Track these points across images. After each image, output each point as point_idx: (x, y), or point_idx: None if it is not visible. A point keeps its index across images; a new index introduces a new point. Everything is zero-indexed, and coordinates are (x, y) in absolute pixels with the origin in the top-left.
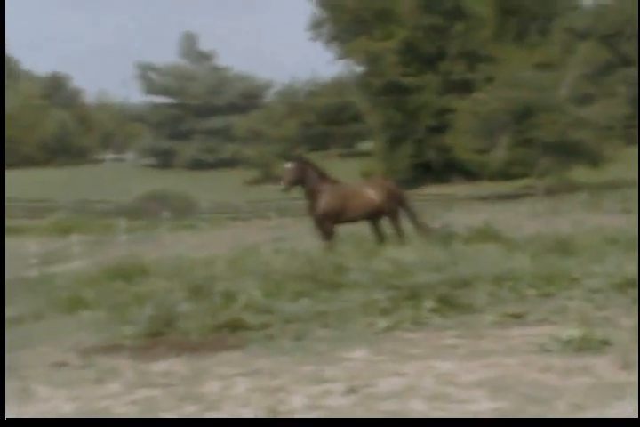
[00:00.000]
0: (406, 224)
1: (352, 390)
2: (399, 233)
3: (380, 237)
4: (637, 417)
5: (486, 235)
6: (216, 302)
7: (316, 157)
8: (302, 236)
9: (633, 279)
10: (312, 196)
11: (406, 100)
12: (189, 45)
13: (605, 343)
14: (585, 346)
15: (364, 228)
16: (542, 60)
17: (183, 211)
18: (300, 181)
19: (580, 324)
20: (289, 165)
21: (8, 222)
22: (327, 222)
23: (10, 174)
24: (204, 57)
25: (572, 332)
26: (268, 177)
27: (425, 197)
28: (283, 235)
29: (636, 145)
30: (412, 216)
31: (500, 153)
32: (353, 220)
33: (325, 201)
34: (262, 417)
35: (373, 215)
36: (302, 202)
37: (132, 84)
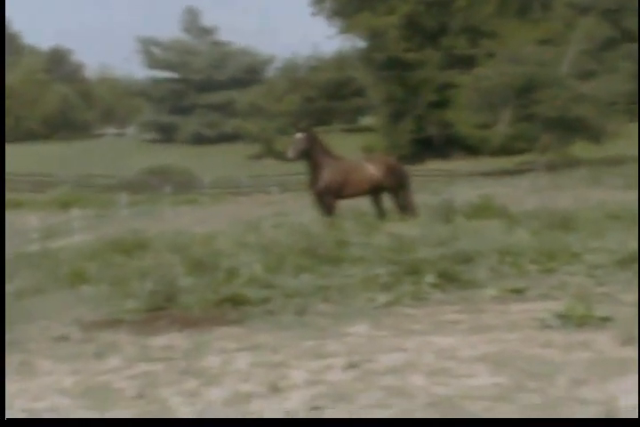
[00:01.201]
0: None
1: (353, 365)
2: (400, 208)
3: (381, 213)
4: (637, 417)
5: (487, 210)
6: (217, 276)
7: (318, 133)
8: (303, 211)
9: (635, 255)
10: (315, 170)
11: (408, 76)
12: (191, 20)
13: (606, 319)
14: (586, 321)
15: (365, 203)
16: (544, 35)
17: (184, 186)
18: (306, 152)
19: (580, 299)
20: (299, 135)
21: (9, 196)
22: (329, 197)
23: (11, 149)
24: (206, 32)
25: (573, 307)
26: (270, 152)
27: (426, 172)
28: (284, 210)
29: (636, 121)
30: (407, 198)
31: (501, 128)
32: (354, 195)
33: (328, 175)
34: (264, 395)
35: (374, 191)
36: (303, 177)
37: (133, 59)
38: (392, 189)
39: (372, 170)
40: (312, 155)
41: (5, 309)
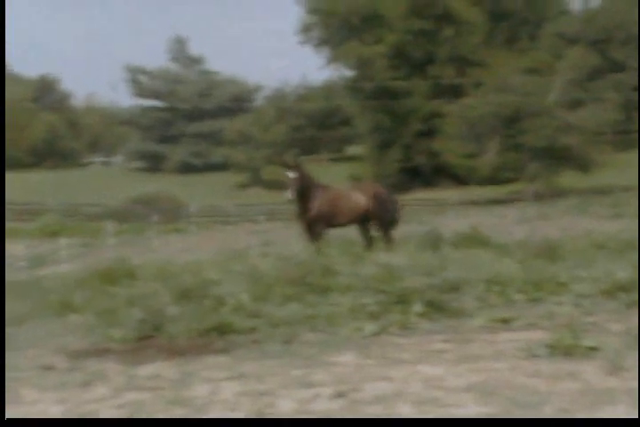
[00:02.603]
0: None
1: (340, 395)
2: (387, 238)
3: (369, 242)
4: (637, 417)
5: (475, 240)
6: (204, 305)
7: (305, 162)
8: (291, 240)
9: (622, 284)
10: (304, 200)
11: (395, 105)
12: (179, 49)
13: (593, 349)
14: (573, 351)
15: (352, 232)
16: (531, 65)
17: (171, 214)
18: (302, 188)
19: (568, 329)
20: (292, 175)
21: None
22: (319, 226)
23: None
24: (194, 61)
25: (561, 336)
26: (257, 181)
27: (414, 201)
28: (271, 239)
29: (625, 150)
30: (391, 224)
31: (488, 158)
32: (342, 224)
33: (318, 204)
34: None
35: (361, 219)
36: (290, 206)
37: (121, 88)
38: (379, 217)
39: (360, 199)
40: (303, 187)
41: None
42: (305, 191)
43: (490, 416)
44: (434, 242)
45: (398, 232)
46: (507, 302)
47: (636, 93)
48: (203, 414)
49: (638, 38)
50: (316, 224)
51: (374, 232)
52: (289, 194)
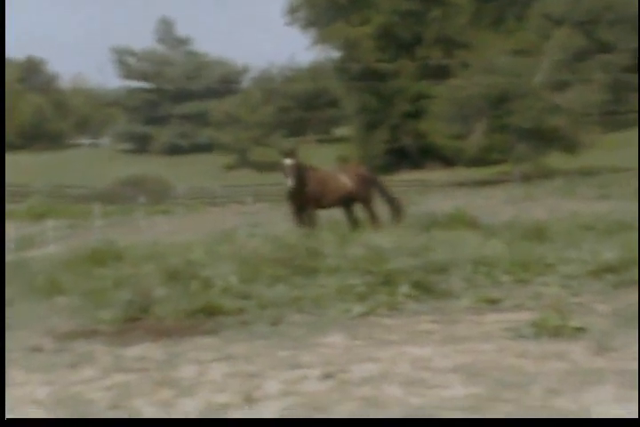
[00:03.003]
0: (383, 209)
1: (328, 376)
2: (372, 219)
3: (354, 223)
4: (637, 417)
5: (462, 221)
6: (192, 287)
7: (292, 143)
8: (278, 221)
9: (609, 265)
10: (297, 182)
11: (382, 86)
12: (166, 30)
13: (580, 329)
14: (560, 332)
15: (338, 213)
16: (518, 46)
17: (159, 196)
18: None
19: (555, 310)
20: (289, 162)
21: None
22: (310, 207)
23: None
24: (181, 42)
25: (547, 317)
26: (244, 162)
27: (401, 182)
28: (259, 220)
29: (612, 131)
30: (390, 201)
31: (475, 139)
32: (330, 205)
33: (309, 186)
34: (239, 406)
35: (347, 201)
36: (277, 187)
37: (108, 69)
38: (364, 198)
39: (345, 180)
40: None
41: None
42: (299, 175)
43: (477, 397)
44: (421, 223)
45: (385, 213)
46: (494, 283)
47: (623, 74)
48: (190, 395)
49: (638, 22)
50: (307, 206)
51: (358, 213)
52: (289, 181)
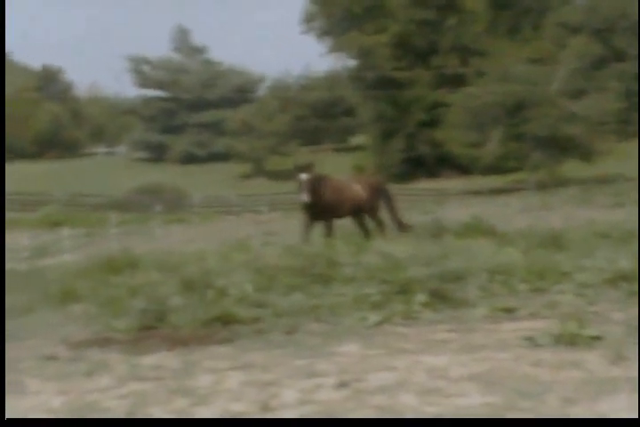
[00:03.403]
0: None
1: (343, 385)
2: (380, 228)
3: (366, 232)
4: (637, 417)
5: (477, 229)
6: (207, 295)
7: (308, 155)
8: (294, 229)
9: (625, 273)
10: (312, 194)
11: (398, 95)
12: (182, 39)
13: (596, 338)
14: (576, 340)
15: (349, 223)
16: (534, 54)
17: (174, 204)
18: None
19: (571, 318)
20: (304, 177)
21: None
22: (327, 217)
23: None
24: (197, 51)
25: (564, 326)
26: (260, 171)
27: (417, 191)
28: (274, 229)
29: (629, 140)
30: (394, 213)
31: (491, 147)
32: (344, 215)
33: (326, 197)
34: (255, 414)
35: (359, 210)
36: (293, 196)
37: (124, 78)
38: (373, 208)
39: (359, 190)
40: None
41: None
42: (314, 188)
43: (493, 406)
44: (437, 231)
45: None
46: (510, 292)
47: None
48: (206, 404)
49: (638, 27)
50: (324, 216)
51: (369, 222)
52: (304, 196)
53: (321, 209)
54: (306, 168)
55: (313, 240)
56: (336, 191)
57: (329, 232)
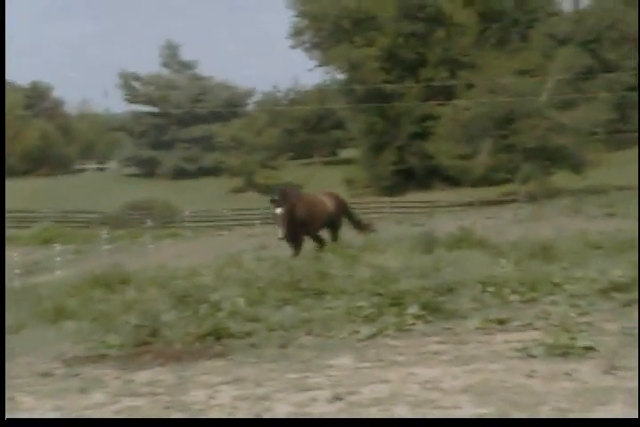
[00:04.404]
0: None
1: (337, 398)
2: (335, 238)
3: (321, 244)
4: (637, 417)
5: (469, 241)
6: (200, 310)
7: (298, 165)
8: (285, 244)
9: (617, 284)
10: (290, 211)
11: (388, 107)
12: (171, 55)
13: (589, 349)
14: (569, 351)
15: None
16: (523, 66)
17: (166, 220)
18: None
19: (563, 329)
20: (279, 211)
21: None
22: (301, 231)
23: None
24: (186, 66)
25: (556, 337)
26: (251, 185)
27: (407, 203)
28: (266, 243)
29: (618, 150)
30: (354, 218)
31: (481, 159)
32: (317, 229)
33: (299, 214)
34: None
35: (330, 224)
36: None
37: (113, 94)
38: (337, 222)
39: (329, 204)
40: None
41: None
42: (292, 204)
43: (487, 417)
44: (428, 244)
45: (393, 234)
46: (502, 303)
47: (628, 93)
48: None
49: (638, 38)
50: (300, 231)
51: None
52: (279, 232)
53: (296, 226)
54: (279, 202)
55: (304, 253)
56: (308, 206)
57: (298, 246)
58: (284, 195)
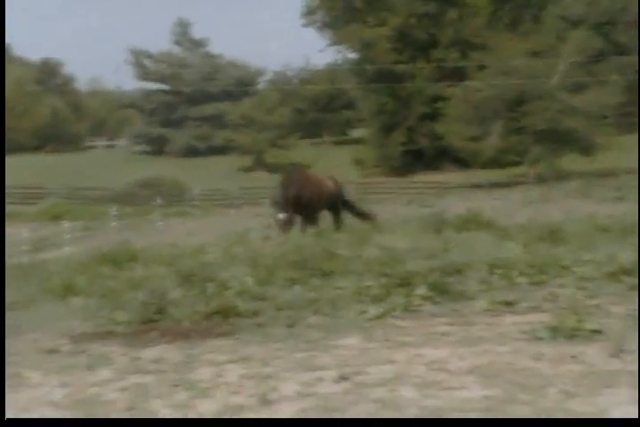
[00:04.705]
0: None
1: (344, 378)
2: (338, 221)
3: (339, 224)
4: (637, 417)
5: (478, 222)
6: (207, 289)
7: (308, 145)
8: (299, 221)
9: (625, 267)
10: (297, 192)
11: (399, 88)
12: (182, 32)
13: (596, 331)
14: (576, 334)
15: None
16: (535, 47)
17: (175, 198)
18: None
19: (571, 312)
20: (281, 217)
21: None
22: (311, 210)
23: None
24: (198, 44)
25: (564, 319)
26: (261, 164)
27: (417, 184)
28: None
29: (629, 133)
30: (357, 212)
31: (492, 141)
32: (322, 208)
33: (308, 190)
34: (255, 408)
35: (333, 204)
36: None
37: (124, 71)
38: (339, 202)
39: (331, 185)
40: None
41: None
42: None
43: (493, 399)
44: (436, 225)
45: (401, 215)
46: (510, 285)
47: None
48: (206, 397)
49: (638, 21)
50: (306, 209)
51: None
52: (279, 235)
53: (305, 203)
54: (282, 207)
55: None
56: (316, 185)
57: (313, 224)
58: (291, 174)
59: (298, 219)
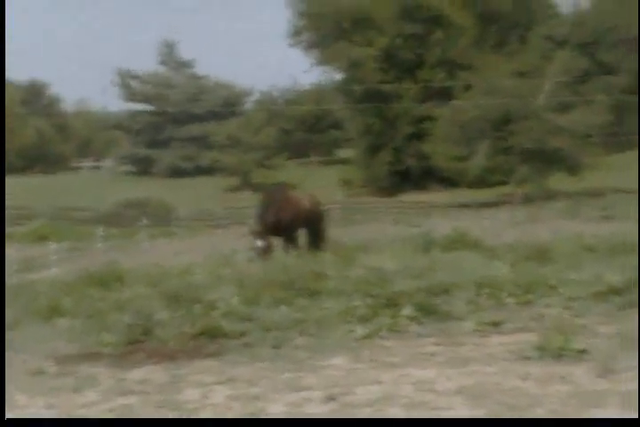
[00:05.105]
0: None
1: (331, 398)
2: (319, 242)
3: (316, 245)
4: (637, 417)
5: (465, 242)
6: (194, 309)
7: (296, 165)
8: (279, 242)
9: (613, 287)
10: (275, 217)
11: (385, 108)
12: (168, 53)
13: (583, 351)
14: (563, 354)
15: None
16: (521, 67)
17: (161, 218)
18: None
19: (558, 332)
20: (259, 244)
21: None
22: (290, 231)
23: None
24: (184, 65)
25: (551, 339)
26: (247, 184)
27: (403, 204)
28: None
29: (615, 153)
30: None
31: (478, 160)
32: (299, 226)
33: (287, 212)
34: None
35: (310, 223)
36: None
37: (111, 92)
38: (315, 222)
39: (307, 205)
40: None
41: None
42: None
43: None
44: (423, 245)
45: (388, 235)
46: (497, 305)
47: (626, 96)
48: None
49: (638, 39)
50: (285, 231)
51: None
52: (258, 260)
53: (284, 226)
54: (259, 234)
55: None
56: (295, 206)
57: (293, 244)
58: (270, 195)
59: (278, 241)
